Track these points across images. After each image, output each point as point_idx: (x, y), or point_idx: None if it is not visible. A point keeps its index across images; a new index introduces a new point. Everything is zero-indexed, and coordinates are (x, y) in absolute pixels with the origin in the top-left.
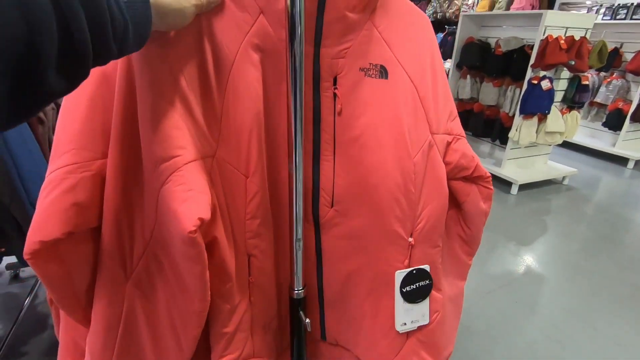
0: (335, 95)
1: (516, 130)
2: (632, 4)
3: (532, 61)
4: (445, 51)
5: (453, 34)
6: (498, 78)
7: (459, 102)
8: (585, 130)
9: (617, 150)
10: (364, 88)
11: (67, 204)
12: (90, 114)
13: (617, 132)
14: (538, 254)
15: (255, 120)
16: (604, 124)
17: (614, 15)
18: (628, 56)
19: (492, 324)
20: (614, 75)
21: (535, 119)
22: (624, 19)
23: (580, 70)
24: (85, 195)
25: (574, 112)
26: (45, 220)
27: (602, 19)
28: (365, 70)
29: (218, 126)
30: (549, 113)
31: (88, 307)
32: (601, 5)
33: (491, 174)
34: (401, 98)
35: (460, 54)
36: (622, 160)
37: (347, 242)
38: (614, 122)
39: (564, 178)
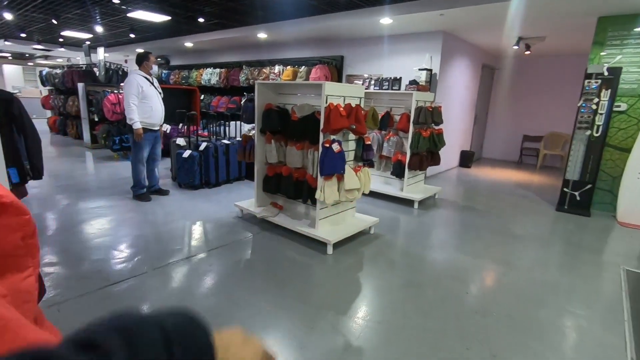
0: None
1: (321, 191)
2: (392, 77)
3: (322, 126)
4: (248, 117)
5: (253, 100)
6: (299, 142)
7: (269, 165)
8: (380, 179)
9: (404, 194)
10: None
11: None
12: None
13: (402, 178)
14: (356, 320)
15: None
16: (392, 173)
17: (380, 86)
18: (397, 118)
19: None
20: (390, 133)
21: (335, 179)
22: (388, 89)
23: (361, 133)
24: None
25: (365, 169)
26: None
27: (373, 89)
28: None
29: None
30: (344, 172)
31: None
32: (372, 78)
33: (308, 236)
34: None
35: (262, 119)
36: (409, 202)
37: None
38: (398, 171)
39: (370, 227)
